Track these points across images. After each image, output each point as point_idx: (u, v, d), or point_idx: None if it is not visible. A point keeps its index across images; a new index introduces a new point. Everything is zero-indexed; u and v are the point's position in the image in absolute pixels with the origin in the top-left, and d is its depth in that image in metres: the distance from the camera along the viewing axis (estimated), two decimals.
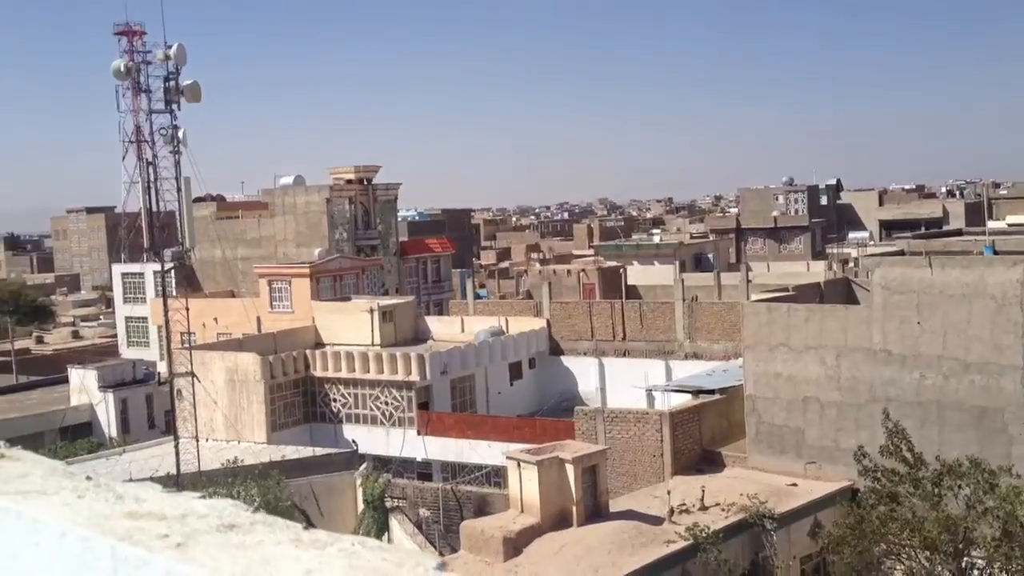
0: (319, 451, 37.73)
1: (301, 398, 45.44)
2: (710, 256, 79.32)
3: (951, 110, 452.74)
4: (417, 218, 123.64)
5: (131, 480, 1.86)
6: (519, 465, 26.41)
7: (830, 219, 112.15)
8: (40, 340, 77.21)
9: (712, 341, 47.74)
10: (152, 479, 28.80)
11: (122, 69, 66.12)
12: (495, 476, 36.88)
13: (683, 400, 34.93)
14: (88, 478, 1.80)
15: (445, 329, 52.97)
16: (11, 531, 1.63)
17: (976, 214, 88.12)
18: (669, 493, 27.07)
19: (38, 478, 1.78)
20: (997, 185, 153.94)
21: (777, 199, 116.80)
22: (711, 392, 34.37)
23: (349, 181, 69.50)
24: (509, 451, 28.53)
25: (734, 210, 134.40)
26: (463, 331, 51.74)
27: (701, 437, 32.52)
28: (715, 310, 48.64)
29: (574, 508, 25.98)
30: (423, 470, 41.97)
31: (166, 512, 1.65)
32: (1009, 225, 38.25)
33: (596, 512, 26.57)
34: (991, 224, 39.96)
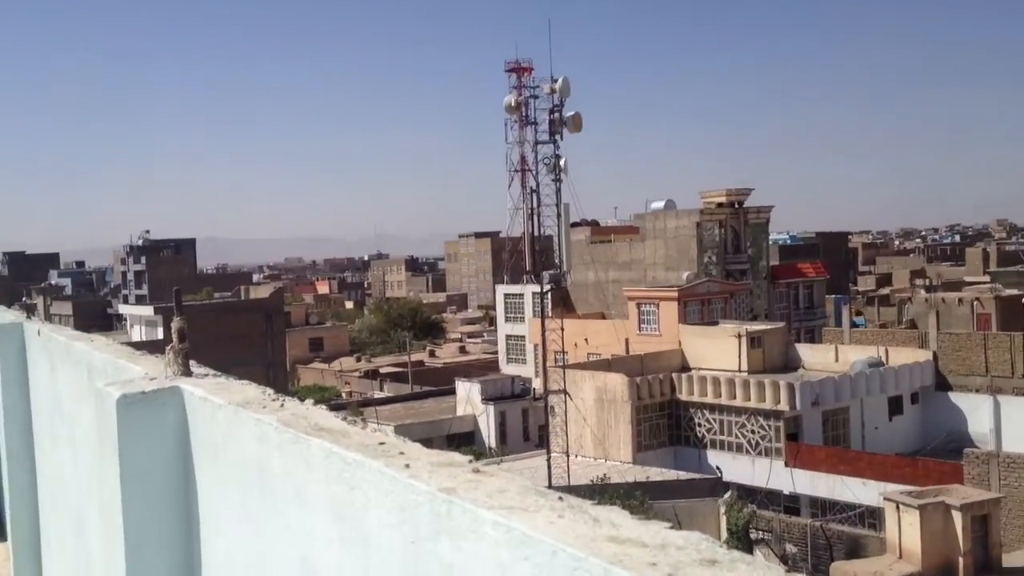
0: (683, 475, 37.70)
1: (666, 420, 45.71)
2: None
3: None
4: (789, 242, 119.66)
5: (599, 503, 1.89)
6: (898, 507, 24.67)
7: None
8: (432, 354, 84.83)
9: None
10: None
11: (512, 104, 71.29)
12: (869, 517, 34.58)
13: None
14: (560, 498, 1.82)
15: (817, 358, 50.83)
16: (501, 545, 1.67)
17: None
18: None
19: (515, 494, 1.84)
20: None
21: None
22: None
23: (720, 205, 69.16)
24: (887, 492, 26.76)
25: None
26: (837, 360, 49.31)
27: None
28: None
29: (961, 560, 23.74)
30: (790, 504, 40.36)
31: (645, 540, 1.61)
32: None
33: (987, 566, 24.06)
34: None
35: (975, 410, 45.38)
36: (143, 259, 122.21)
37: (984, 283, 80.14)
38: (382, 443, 2.18)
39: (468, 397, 53.90)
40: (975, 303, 60.55)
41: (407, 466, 1.99)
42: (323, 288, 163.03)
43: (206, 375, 3.40)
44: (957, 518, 23.99)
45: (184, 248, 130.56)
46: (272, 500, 2.50)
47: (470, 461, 2.02)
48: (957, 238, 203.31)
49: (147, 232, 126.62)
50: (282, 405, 2.73)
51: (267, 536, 2.55)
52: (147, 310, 73.96)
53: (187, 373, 3.42)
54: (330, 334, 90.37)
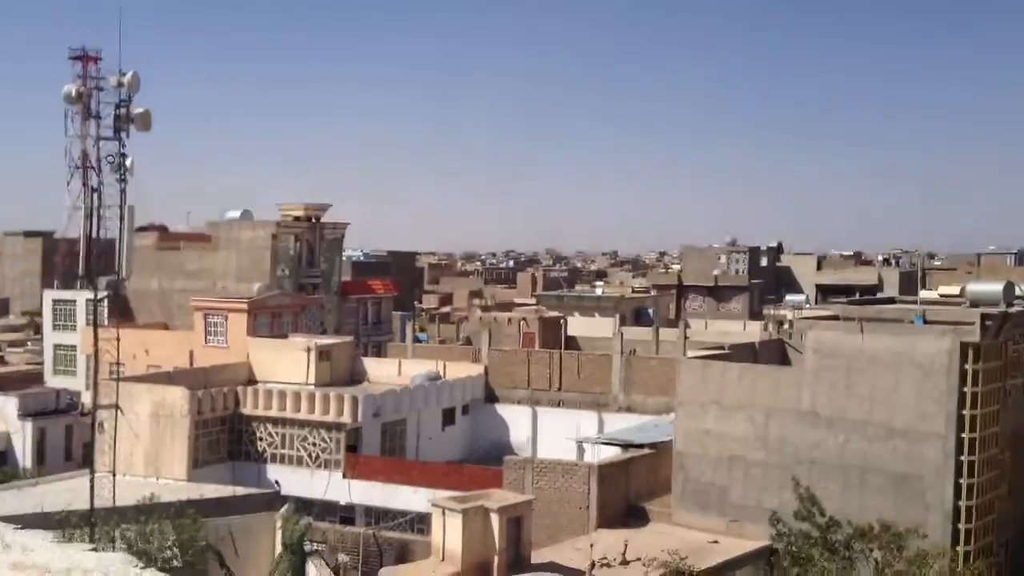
0: (240, 491, 36.85)
1: (227, 435, 44.51)
2: (650, 311, 79.95)
3: (892, 179, 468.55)
4: (362, 259, 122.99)
5: (22, 528, 1.66)
6: (444, 513, 26.10)
7: (769, 281, 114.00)
8: None
9: (646, 395, 47.92)
10: (66, 513, 27.87)
11: (73, 94, 65.10)
12: (419, 523, 36.38)
13: (613, 453, 34.90)
14: None
15: (382, 371, 52.53)
16: None
17: (910, 283, 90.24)
18: (592, 546, 26.89)
19: None
20: (932, 256, 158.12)
21: (719, 258, 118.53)
22: (641, 446, 34.41)
23: (297, 218, 69.40)
24: (435, 498, 28.16)
25: (677, 267, 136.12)
26: (399, 374, 51.36)
27: (628, 491, 32.46)
28: (651, 365, 48.91)
29: (496, 559, 25.69)
30: (346, 514, 41.25)
31: (52, 565, 1.51)
32: (941, 296, 39.10)
33: (518, 563, 26.28)
34: (923, 294, 40.76)
35: (517, 420, 49.78)
36: None
37: (531, 304, 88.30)
38: None
39: (2, 412, 48.17)
40: (522, 322, 66.41)
41: None
42: None
43: None
44: (495, 520, 25.96)
45: None
46: None
47: None
48: (512, 263, 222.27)
49: None
50: None
51: None
52: None
53: None
54: None
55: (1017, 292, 32.47)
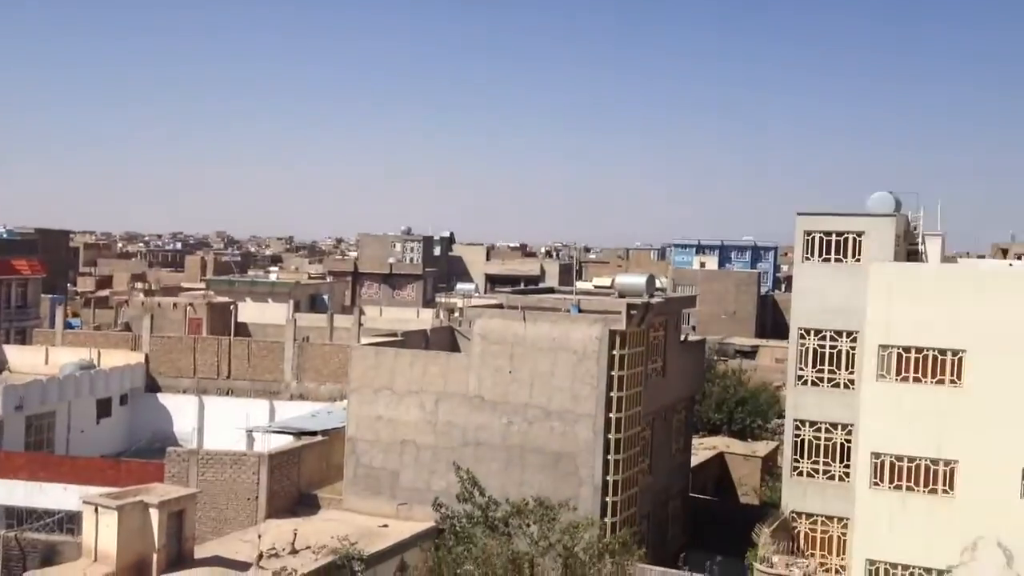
0: None
1: None
2: (325, 298, 79.44)
3: (559, 176, 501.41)
4: (5, 236, 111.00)
5: None
6: (96, 510, 24.42)
7: (442, 269, 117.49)
8: None
9: (320, 383, 47.68)
10: None
11: None
12: (69, 523, 33.63)
13: (285, 442, 34.36)
14: None
15: (26, 360, 48.28)
16: None
17: (568, 274, 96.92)
18: (260, 537, 26.36)
19: None
20: (588, 249, 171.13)
21: (395, 247, 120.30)
22: (313, 434, 34.18)
23: None
24: (87, 495, 26.19)
25: (354, 254, 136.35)
26: (47, 363, 47.36)
27: (299, 479, 32.15)
28: (325, 352, 48.70)
29: (155, 556, 24.45)
30: None
31: None
32: (595, 287, 42.27)
33: (180, 559, 25.20)
34: (579, 285, 43.87)
35: (181, 410, 47.54)
36: None
37: (200, 289, 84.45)
38: None
39: None
40: (188, 308, 63.41)
41: None
42: None
43: None
44: (154, 515, 24.64)
45: None
46: None
47: None
48: (179, 246, 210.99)
49: None
50: None
51: None
52: None
53: None
54: None
55: (657, 284, 35.92)
